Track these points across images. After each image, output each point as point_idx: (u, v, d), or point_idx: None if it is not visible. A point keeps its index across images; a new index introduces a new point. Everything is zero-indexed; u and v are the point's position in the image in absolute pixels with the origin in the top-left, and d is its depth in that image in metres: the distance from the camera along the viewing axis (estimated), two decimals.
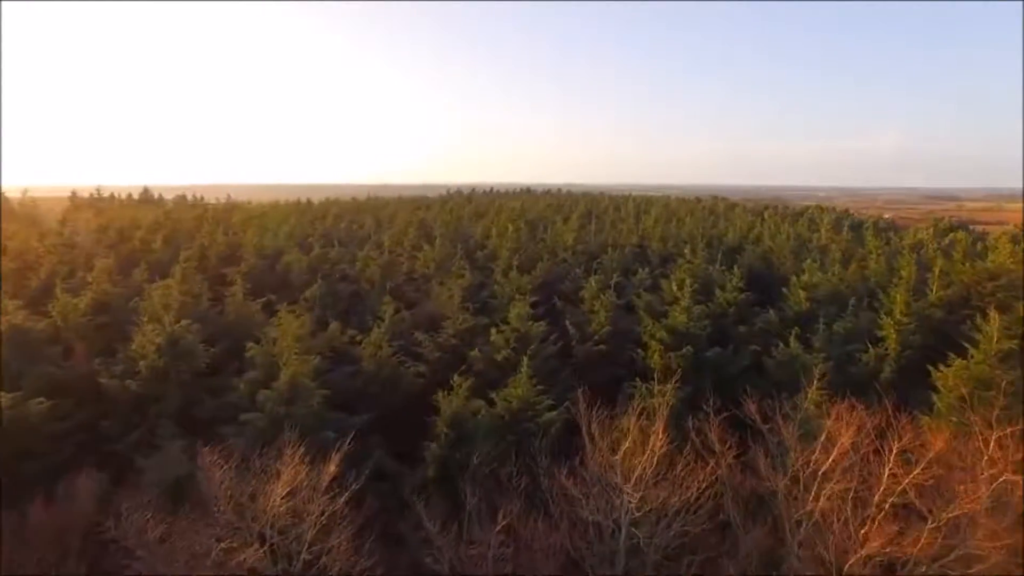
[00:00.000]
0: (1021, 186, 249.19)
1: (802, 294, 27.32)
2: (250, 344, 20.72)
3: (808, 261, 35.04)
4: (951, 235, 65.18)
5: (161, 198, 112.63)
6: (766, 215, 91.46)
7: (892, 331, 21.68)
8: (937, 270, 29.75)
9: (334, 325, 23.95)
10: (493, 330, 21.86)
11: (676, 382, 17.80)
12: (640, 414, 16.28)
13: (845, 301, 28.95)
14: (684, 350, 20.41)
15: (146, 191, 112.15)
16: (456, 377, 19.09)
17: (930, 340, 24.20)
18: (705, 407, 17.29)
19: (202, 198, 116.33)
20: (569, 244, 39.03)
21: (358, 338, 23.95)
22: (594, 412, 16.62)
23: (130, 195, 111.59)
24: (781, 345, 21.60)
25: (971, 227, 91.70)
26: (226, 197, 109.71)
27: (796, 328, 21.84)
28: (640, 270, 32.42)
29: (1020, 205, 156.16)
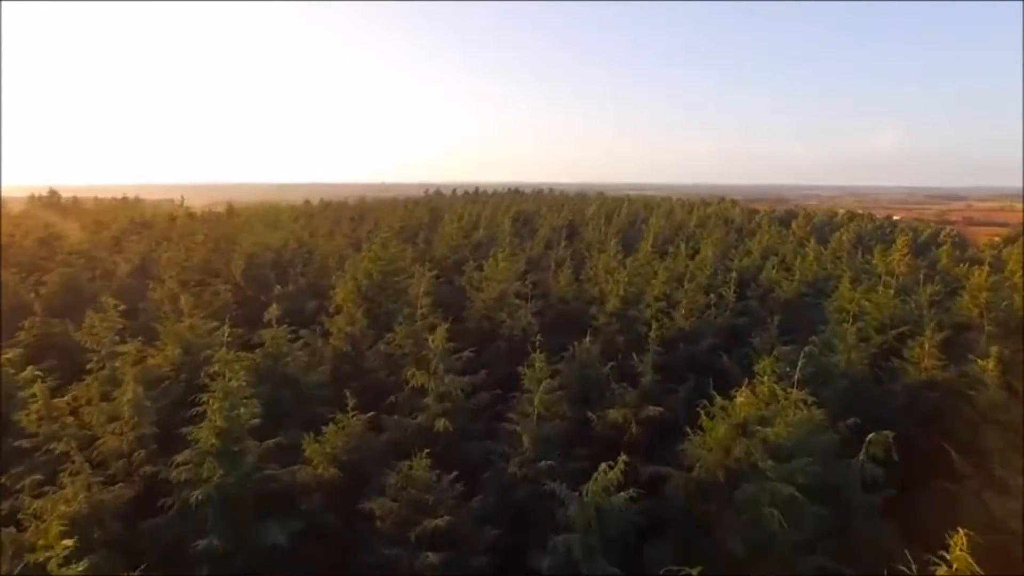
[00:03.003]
0: (1022, 185, 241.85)
1: None
2: None
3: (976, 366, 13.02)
4: None
5: (75, 200, 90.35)
6: (794, 226, 68.81)
7: None
8: None
9: None
10: None
11: None
12: None
13: None
14: None
15: (52, 192, 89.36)
16: None
17: None
18: None
19: (137, 199, 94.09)
20: (441, 346, 15.51)
21: None
22: None
23: (40, 196, 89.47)
24: None
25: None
26: (179, 198, 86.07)
27: None
28: (621, 429, 9.79)
29: None
